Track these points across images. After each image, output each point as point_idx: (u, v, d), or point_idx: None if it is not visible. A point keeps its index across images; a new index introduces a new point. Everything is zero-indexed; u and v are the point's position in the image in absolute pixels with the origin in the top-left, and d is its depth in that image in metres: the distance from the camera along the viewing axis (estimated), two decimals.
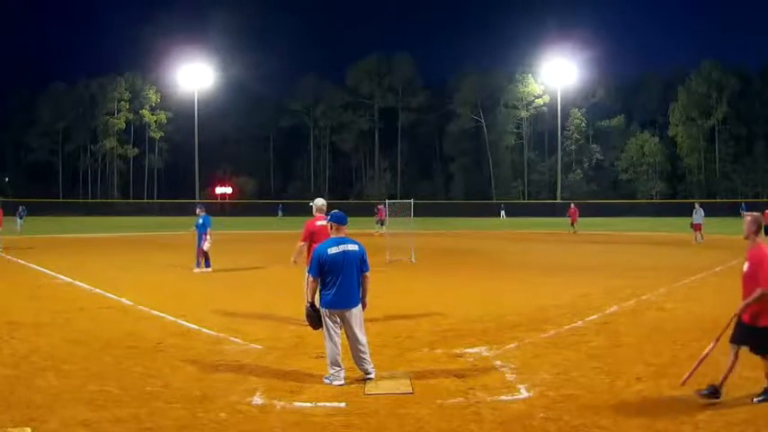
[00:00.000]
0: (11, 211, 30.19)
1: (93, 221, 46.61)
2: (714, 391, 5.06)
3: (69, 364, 6.24)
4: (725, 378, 5.11)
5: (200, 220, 14.88)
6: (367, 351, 5.75)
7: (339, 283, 5.60)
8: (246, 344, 7.26)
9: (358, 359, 5.72)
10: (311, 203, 8.38)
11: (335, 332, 5.66)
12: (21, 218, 32.14)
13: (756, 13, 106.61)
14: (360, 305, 5.77)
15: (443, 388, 5.52)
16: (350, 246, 5.73)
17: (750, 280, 5.08)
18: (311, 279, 5.79)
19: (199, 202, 15.80)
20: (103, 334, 7.70)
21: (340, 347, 5.68)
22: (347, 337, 5.71)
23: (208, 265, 14.83)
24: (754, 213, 5.40)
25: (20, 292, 11.33)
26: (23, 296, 10.90)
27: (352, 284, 5.67)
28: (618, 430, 4.54)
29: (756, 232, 5.27)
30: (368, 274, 5.82)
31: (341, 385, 5.54)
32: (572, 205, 35.40)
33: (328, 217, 6.12)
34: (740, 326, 5.18)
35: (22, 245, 22.10)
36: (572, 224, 33.17)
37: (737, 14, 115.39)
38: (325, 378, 5.66)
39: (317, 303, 5.84)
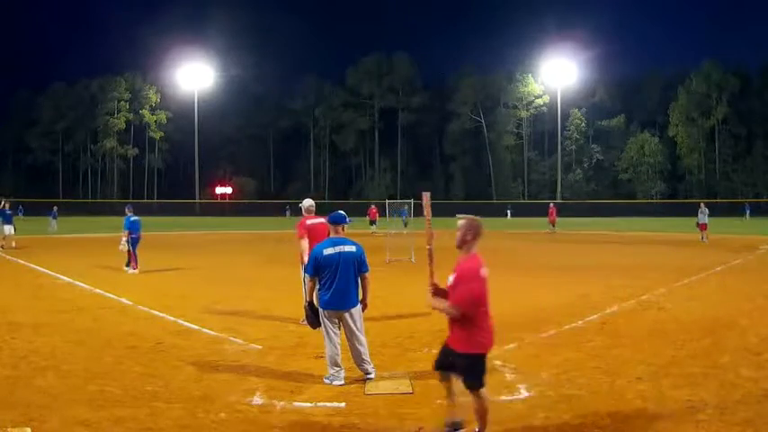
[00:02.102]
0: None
1: (92, 221, 46.59)
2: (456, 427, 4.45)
3: (69, 364, 6.24)
4: (452, 410, 4.52)
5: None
6: (366, 351, 5.75)
7: (335, 283, 5.56)
8: (246, 344, 7.25)
9: (358, 359, 5.72)
10: (300, 204, 8.50)
11: (334, 332, 5.65)
12: (54, 218, 32.53)
13: (756, 13, 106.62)
14: (358, 306, 5.72)
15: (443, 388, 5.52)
16: (347, 246, 5.67)
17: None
18: (309, 278, 5.79)
19: (128, 203, 15.97)
20: (103, 334, 7.69)
21: (339, 348, 5.67)
22: (347, 337, 5.71)
23: (134, 266, 14.46)
24: (470, 217, 4.47)
25: (20, 292, 11.32)
26: (23, 296, 10.89)
27: (348, 285, 5.61)
28: (618, 430, 4.54)
29: (475, 240, 4.34)
30: (367, 274, 5.75)
31: (341, 385, 5.53)
32: (551, 205, 35.44)
33: (327, 217, 6.09)
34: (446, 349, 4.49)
35: (21, 245, 22.08)
36: (551, 224, 33.26)
37: (737, 14, 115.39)
38: (325, 378, 5.66)
39: (315, 303, 5.83)
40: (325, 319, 5.63)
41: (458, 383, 4.40)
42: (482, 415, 4.29)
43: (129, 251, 14.58)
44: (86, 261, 17.06)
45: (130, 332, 7.80)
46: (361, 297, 5.76)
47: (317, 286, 5.75)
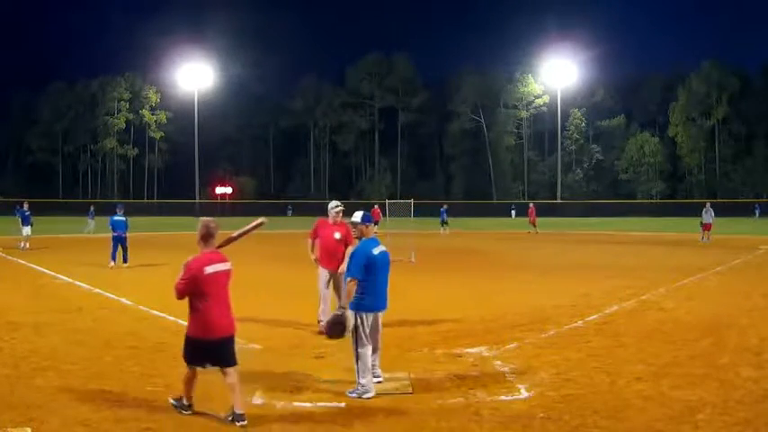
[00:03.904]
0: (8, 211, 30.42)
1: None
2: (183, 405, 4.85)
3: (69, 364, 6.24)
4: (188, 393, 4.85)
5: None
6: (379, 355, 5.69)
7: (380, 284, 5.53)
8: (246, 344, 7.25)
9: (373, 362, 5.58)
10: (339, 207, 8.02)
11: (371, 336, 5.46)
12: (92, 218, 32.34)
13: (756, 13, 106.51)
14: None
15: (443, 388, 5.52)
16: (383, 247, 5.70)
17: None
18: (352, 281, 5.38)
19: (118, 202, 17.52)
20: (103, 334, 7.70)
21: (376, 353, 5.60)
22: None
23: (111, 262, 15.66)
24: (205, 218, 4.92)
25: (20, 292, 11.33)
26: (24, 296, 10.90)
27: (385, 286, 5.65)
28: (618, 430, 4.54)
29: (205, 239, 4.76)
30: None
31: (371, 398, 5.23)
32: (531, 205, 35.23)
33: (363, 218, 5.76)
34: None
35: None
36: (531, 224, 33.14)
37: (737, 14, 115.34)
38: (352, 392, 5.28)
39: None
40: (365, 325, 5.39)
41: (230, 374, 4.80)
42: (184, 386, 4.83)
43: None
44: (86, 261, 17.07)
45: (130, 332, 7.80)
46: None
47: (358, 288, 5.42)
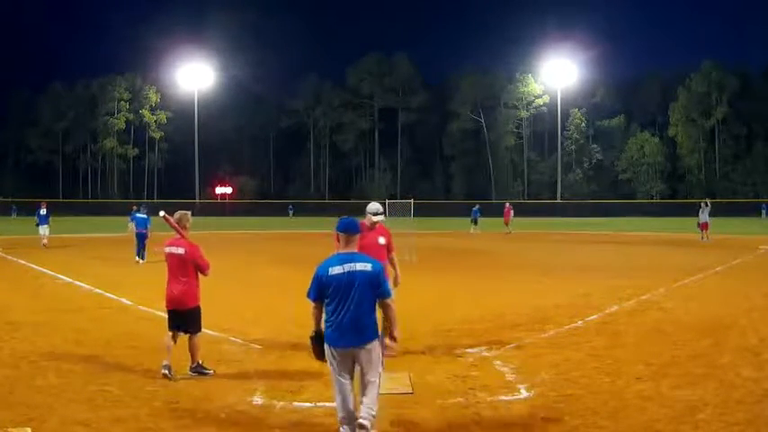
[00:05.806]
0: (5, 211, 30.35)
1: (93, 221, 46.56)
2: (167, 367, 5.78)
3: (69, 364, 6.24)
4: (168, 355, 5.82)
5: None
6: (373, 402, 4.22)
7: (342, 312, 4.19)
8: (246, 344, 7.26)
9: (362, 409, 4.25)
10: (379, 216, 6.67)
11: (340, 378, 4.25)
12: (133, 219, 31.96)
13: (756, 13, 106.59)
14: (374, 342, 4.28)
15: (443, 388, 5.53)
16: (359, 264, 4.25)
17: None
18: (312, 304, 4.36)
19: (141, 202, 20.40)
20: (103, 334, 7.70)
21: (348, 401, 4.24)
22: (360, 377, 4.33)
23: (139, 258, 16.69)
24: (181, 211, 6.29)
25: (20, 292, 11.33)
26: (24, 296, 10.91)
27: (359, 315, 4.19)
28: (618, 430, 4.54)
29: (178, 226, 6.06)
30: (389, 301, 4.33)
31: None
32: (507, 204, 35.05)
33: (336, 225, 4.57)
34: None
35: (23, 244, 22.11)
36: (506, 224, 32.92)
37: (737, 14, 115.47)
38: None
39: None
40: (332, 360, 4.25)
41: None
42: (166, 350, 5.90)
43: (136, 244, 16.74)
44: (86, 261, 17.07)
45: (130, 332, 7.80)
46: (382, 329, 4.50)
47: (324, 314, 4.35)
